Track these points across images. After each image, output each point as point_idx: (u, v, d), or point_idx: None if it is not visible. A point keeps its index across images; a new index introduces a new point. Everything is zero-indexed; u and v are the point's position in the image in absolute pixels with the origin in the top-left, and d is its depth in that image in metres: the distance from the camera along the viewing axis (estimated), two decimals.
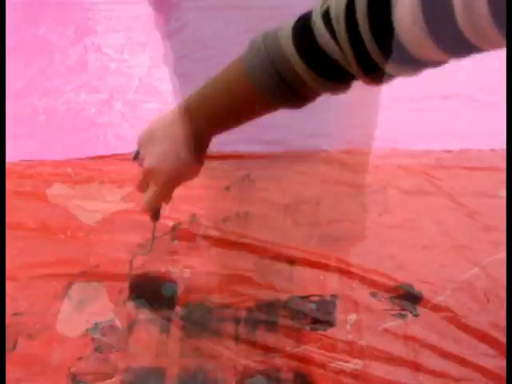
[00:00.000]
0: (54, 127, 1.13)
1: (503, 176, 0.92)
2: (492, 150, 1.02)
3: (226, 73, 0.68)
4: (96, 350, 0.73)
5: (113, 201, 0.94)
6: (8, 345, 0.73)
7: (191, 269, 0.83)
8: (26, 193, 0.95)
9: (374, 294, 0.79)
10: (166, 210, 0.92)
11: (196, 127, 0.70)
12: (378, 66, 0.56)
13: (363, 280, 0.81)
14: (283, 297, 0.79)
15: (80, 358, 0.72)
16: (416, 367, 0.71)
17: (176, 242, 0.87)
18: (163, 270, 0.83)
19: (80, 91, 1.21)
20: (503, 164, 0.97)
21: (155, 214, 0.77)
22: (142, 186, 0.75)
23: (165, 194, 0.75)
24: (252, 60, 0.64)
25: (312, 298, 0.79)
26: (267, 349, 0.73)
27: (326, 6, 0.58)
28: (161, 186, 0.73)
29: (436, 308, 0.77)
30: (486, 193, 0.95)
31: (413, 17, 0.49)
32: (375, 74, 0.58)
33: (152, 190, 0.73)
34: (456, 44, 0.48)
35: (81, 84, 1.23)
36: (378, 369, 0.71)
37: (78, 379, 0.70)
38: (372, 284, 0.81)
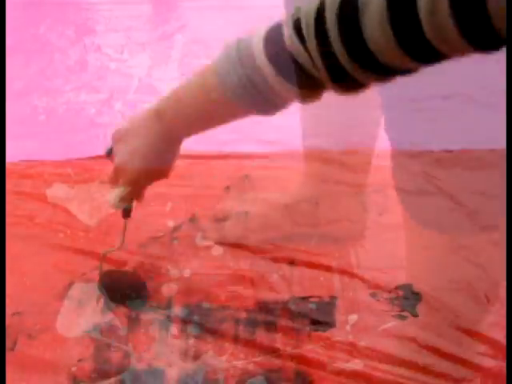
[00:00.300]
0: (53, 127, 1.13)
1: (503, 176, 0.92)
2: (492, 150, 1.02)
3: (199, 77, 0.68)
4: (96, 350, 0.73)
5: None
6: (8, 345, 0.73)
7: (191, 269, 0.83)
8: (26, 193, 0.95)
9: (373, 295, 0.79)
10: (166, 209, 0.92)
11: (167, 129, 0.70)
12: (347, 74, 0.56)
13: (363, 280, 0.81)
14: (283, 297, 0.79)
15: (80, 358, 0.72)
16: (416, 368, 0.71)
17: (176, 242, 0.87)
18: (163, 270, 0.83)
19: (80, 91, 1.22)
20: (503, 164, 0.97)
21: (126, 212, 0.77)
22: (113, 183, 0.76)
23: (134, 193, 0.76)
24: (224, 66, 0.64)
25: (312, 299, 0.79)
26: (267, 349, 0.73)
27: (296, 15, 0.58)
28: (128, 184, 0.74)
29: (436, 308, 0.77)
30: (486, 193, 0.95)
31: (381, 26, 0.49)
32: (345, 83, 0.58)
33: (120, 188, 0.74)
34: (424, 52, 0.49)
35: (81, 84, 1.23)
36: (378, 369, 0.71)
37: (77, 379, 0.70)
38: (372, 284, 0.81)
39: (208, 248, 0.87)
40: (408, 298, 0.79)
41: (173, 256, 0.85)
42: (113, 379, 0.70)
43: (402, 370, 0.71)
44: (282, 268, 0.83)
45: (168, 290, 0.80)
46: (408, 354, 0.72)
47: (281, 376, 0.70)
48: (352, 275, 0.82)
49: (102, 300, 0.79)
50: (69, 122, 1.14)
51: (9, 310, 0.77)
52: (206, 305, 0.78)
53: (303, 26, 0.57)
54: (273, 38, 0.61)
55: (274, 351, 0.73)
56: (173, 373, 0.71)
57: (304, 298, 0.79)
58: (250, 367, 0.71)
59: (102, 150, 1.05)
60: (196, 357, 0.72)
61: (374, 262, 0.84)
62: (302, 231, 0.89)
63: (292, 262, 0.84)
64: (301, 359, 0.72)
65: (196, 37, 1.39)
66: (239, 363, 0.72)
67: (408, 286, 0.80)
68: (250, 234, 0.88)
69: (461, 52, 0.48)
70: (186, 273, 0.83)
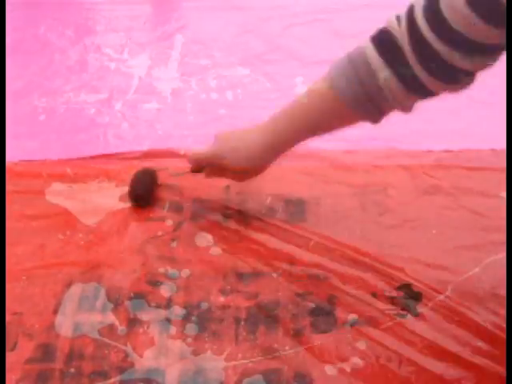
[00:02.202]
0: (53, 127, 1.13)
1: (503, 176, 0.92)
2: (492, 150, 1.02)
3: (309, 93, 0.79)
4: (95, 350, 0.73)
5: (112, 201, 0.94)
6: (8, 345, 0.73)
7: (190, 269, 0.83)
8: (26, 193, 0.95)
9: (374, 294, 0.79)
10: (164, 209, 0.92)
11: (269, 142, 0.82)
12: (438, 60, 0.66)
13: (363, 280, 0.81)
14: (283, 297, 0.79)
15: (80, 359, 0.72)
16: (416, 367, 0.71)
17: (176, 241, 0.87)
18: (162, 270, 0.83)
19: (80, 91, 1.22)
20: (503, 164, 0.97)
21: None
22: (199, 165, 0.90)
23: (212, 173, 0.90)
24: (338, 75, 0.74)
25: (312, 298, 0.79)
26: (267, 349, 0.73)
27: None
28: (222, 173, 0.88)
29: (436, 308, 0.77)
30: (486, 193, 0.95)
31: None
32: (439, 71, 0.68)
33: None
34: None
35: (81, 84, 1.24)
36: (379, 369, 0.71)
37: (77, 379, 0.70)
38: (372, 284, 0.81)
39: (207, 248, 0.86)
40: (408, 298, 0.79)
41: (172, 256, 0.85)
42: (112, 379, 0.70)
43: (402, 370, 0.71)
44: (281, 268, 0.83)
45: (167, 290, 0.80)
46: (408, 353, 0.72)
47: (280, 376, 0.70)
48: (352, 275, 0.82)
49: (102, 300, 0.79)
50: (69, 122, 1.15)
51: (9, 310, 0.77)
52: (205, 305, 0.78)
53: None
54: (385, 42, 0.70)
55: (273, 351, 0.73)
56: (172, 373, 0.71)
57: (304, 298, 0.79)
58: (250, 367, 0.71)
59: (102, 150, 1.06)
60: (195, 357, 0.72)
61: (375, 262, 0.84)
62: (302, 231, 0.89)
63: (292, 262, 0.84)
64: (300, 359, 0.72)
65: (196, 37, 1.39)
66: (239, 363, 0.71)
67: (408, 285, 0.80)
68: (250, 233, 0.88)
69: None
70: (186, 273, 0.83)
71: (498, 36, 0.61)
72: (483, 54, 0.65)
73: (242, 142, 0.84)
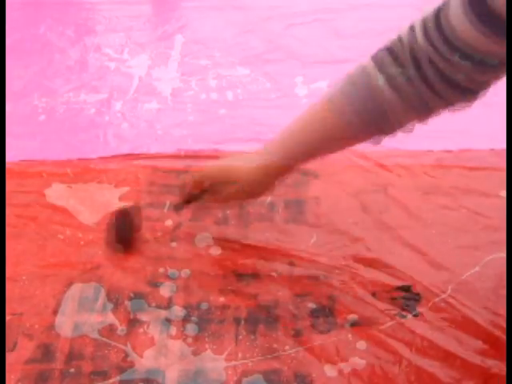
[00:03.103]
0: (53, 127, 1.13)
1: (503, 176, 0.92)
2: (492, 150, 1.02)
3: (311, 111, 0.76)
4: (95, 350, 0.73)
5: (112, 201, 0.94)
6: (8, 345, 0.73)
7: (190, 269, 0.83)
8: (26, 193, 0.95)
9: (374, 294, 0.79)
10: (164, 209, 0.92)
11: (272, 163, 0.78)
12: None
13: (363, 280, 0.81)
14: (283, 297, 0.79)
15: (80, 359, 0.72)
16: (416, 367, 0.71)
17: (176, 241, 0.87)
18: (162, 270, 0.83)
19: (80, 91, 1.22)
20: (503, 164, 0.97)
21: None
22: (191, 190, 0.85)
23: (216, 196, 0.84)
24: (338, 95, 0.72)
25: (312, 298, 0.79)
26: (267, 349, 0.73)
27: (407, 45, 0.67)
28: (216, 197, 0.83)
29: (436, 308, 0.77)
30: (486, 193, 0.95)
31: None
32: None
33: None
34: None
35: (81, 84, 1.23)
36: (379, 369, 0.71)
37: (77, 379, 0.70)
38: (372, 284, 0.81)
39: (207, 248, 0.86)
40: (408, 298, 0.79)
41: (172, 256, 0.85)
42: (112, 379, 0.70)
43: (402, 370, 0.71)
44: (281, 268, 0.83)
45: (167, 290, 0.80)
46: (408, 353, 0.72)
47: (280, 376, 0.70)
48: (352, 275, 0.82)
49: (102, 300, 0.79)
50: (69, 122, 1.14)
51: (9, 310, 0.77)
52: (205, 305, 0.78)
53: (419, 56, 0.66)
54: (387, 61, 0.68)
55: (273, 351, 0.73)
56: (172, 373, 0.71)
57: (304, 298, 0.79)
58: (250, 367, 0.71)
59: (102, 150, 1.06)
60: (195, 357, 0.72)
61: (374, 262, 0.84)
62: (302, 231, 0.89)
63: (292, 262, 0.84)
64: (301, 359, 0.72)
65: (196, 37, 1.39)
66: (238, 363, 0.72)
67: (408, 286, 0.80)
68: (250, 233, 0.88)
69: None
70: (185, 273, 0.83)
71: (498, 46, 0.60)
72: (484, 69, 0.64)
73: (251, 158, 0.81)
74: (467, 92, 0.67)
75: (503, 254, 0.83)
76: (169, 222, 0.90)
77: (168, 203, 0.93)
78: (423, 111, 0.71)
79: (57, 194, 0.95)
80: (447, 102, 0.69)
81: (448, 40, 0.62)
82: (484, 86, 0.67)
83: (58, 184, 0.97)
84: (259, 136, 1.04)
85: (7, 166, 0.98)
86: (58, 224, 0.90)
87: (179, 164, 1.01)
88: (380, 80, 0.69)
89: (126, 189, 0.94)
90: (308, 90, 1.20)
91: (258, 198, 0.85)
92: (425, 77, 0.66)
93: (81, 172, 0.99)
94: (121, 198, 0.94)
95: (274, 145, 0.79)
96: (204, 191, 0.84)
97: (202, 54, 1.33)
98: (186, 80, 1.25)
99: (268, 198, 0.94)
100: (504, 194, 0.93)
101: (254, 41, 1.36)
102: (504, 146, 0.98)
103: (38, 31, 1.41)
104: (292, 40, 1.36)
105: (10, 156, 1.00)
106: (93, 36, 1.41)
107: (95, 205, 0.93)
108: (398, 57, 0.67)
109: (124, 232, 0.86)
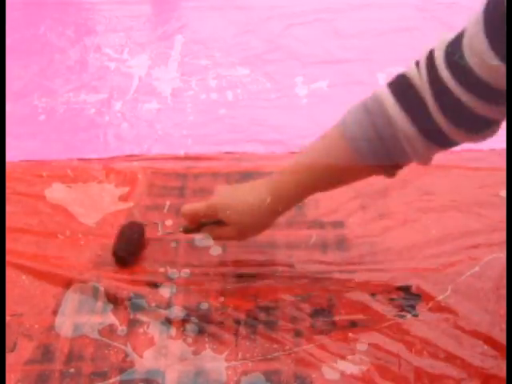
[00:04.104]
0: (53, 127, 1.13)
1: (503, 176, 0.92)
2: (492, 150, 1.02)
3: (325, 140, 0.74)
4: (95, 350, 0.73)
5: (112, 201, 0.94)
6: (8, 345, 0.73)
7: (190, 269, 0.83)
8: (26, 193, 0.95)
9: (373, 295, 0.79)
10: (164, 210, 0.92)
11: (282, 196, 0.77)
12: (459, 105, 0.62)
13: (363, 280, 0.81)
14: (283, 297, 0.79)
15: (80, 359, 0.72)
16: (416, 368, 0.71)
17: (176, 242, 0.87)
18: (162, 270, 0.83)
19: (80, 91, 1.22)
20: (503, 164, 0.97)
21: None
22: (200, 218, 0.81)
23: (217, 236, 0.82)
24: (352, 124, 0.70)
25: (312, 299, 0.79)
26: (266, 349, 0.73)
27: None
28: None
29: (436, 308, 0.77)
30: (486, 193, 0.95)
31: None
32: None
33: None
34: None
35: (81, 84, 1.24)
36: (378, 369, 0.71)
37: (77, 380, 0.70)
38: (372, 284, 0.81)
39: (207, 248, 0.86)
40: (408, 298, 0.79)
41: (172, 256, 0.85)
42: (112, 380, 0.70)
43: (402, 371, 0.71)
44: (281, 268, 0.83)
45: (167, 290, 0.80)
46: (408, 354, 0.72)
47: (280, 376, 0.70)
48: (352, 275, 0.82)
49: (102, 300, 0.79)
50: (69, 122, 1.15)
51: (9, 311, 0.77)
52: (205, 305, 0.78)
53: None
54: (404, 91, 0.66)
55: (273, 351, 0.73)
56: (172, 373, 0.71)
57: (304, 299, 0.79)
58: (250, 367, 0.71)
59: (102, 150, 1.06)
60: (195, 357, 0.72)
61: (374, 262, 0.84)
62: (302, 231, 0.89)
63: (292, 263, 0.84)
64: (300, 360, 0.72)
65: (196, 37, 1.39)
66: (238, 363, 0.71)
67: (408, 286, 0.80)
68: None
69: None
70: (185, 273, 0.83)
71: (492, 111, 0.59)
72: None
73: (245, 195, 0.78)
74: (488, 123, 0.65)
75: (503, 254, 0.83)
76: (169, 222, 0.90)
77: (168, 204, 0.93)
78: (443, 143, 0.69)
79: (57, 194, 0.95)
80: (468, 134, 0.67)
81: (470, 71, 0.60)
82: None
83: (58, 184, 0.97)
84: (259, 136, 1.05)
85: (7, 166, 0.98)
86: (58, 224, 0.90)
87: (179, 165, 1.01)
88: (397, 111, 0.66)
89: (126, 189, 0.94)
90: (308, 89, 1.20)
91: (258, 233, 0.82)
92: (445, 109, 0.63)
93: (81, 172, 0.99)
94: (121, 199, 0.94)
95: (283, 177, 0.77)
96: (201, 227, 0.82)
97: (201, 54, 1.33)
98: (186, 80, 1.25)
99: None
100: (504, 193, 0.93)
101: (254, 41, 1.37)
102: (504, 145, 0.98)
103: (38, 31, 1.41)
104: (292, 40, 1.36)
105: (10, 156, 1.00)
106: (93, 36, 1.41)
107: (95, 205, 0.93)
108: (416, 87, 0.65)
109: (131, 247, 0.85)
